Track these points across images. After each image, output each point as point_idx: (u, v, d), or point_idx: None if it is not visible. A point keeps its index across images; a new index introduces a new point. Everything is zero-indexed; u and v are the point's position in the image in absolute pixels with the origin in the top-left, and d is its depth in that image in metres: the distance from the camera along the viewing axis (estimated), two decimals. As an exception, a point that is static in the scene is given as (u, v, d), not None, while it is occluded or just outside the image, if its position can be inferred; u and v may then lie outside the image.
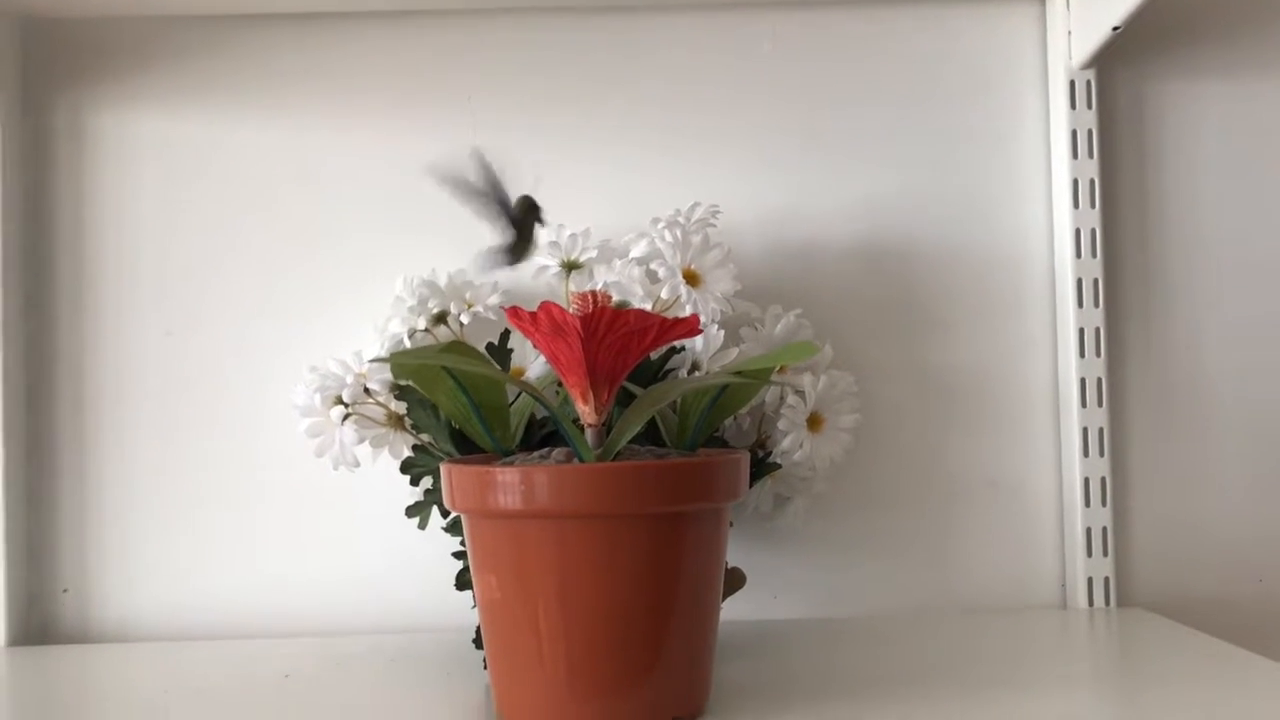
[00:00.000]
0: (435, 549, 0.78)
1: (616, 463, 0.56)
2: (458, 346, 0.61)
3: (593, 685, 0.57)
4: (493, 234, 0.70)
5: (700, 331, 0.67)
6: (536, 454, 0.61)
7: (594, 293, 0.60)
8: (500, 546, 0.57)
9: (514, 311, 0.60)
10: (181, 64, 0.86)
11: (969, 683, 0.66)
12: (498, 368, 0.64)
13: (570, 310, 0.60)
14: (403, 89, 0.87)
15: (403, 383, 0.75)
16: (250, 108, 0.87)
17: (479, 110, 0.87)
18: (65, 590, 0.85)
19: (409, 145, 0.87)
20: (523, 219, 0.69)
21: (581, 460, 0.57)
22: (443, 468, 0.60)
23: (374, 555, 0.85)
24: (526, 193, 0.70)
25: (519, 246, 0.69)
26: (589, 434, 0.60)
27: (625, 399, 0.69)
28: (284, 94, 0.87)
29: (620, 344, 0.59)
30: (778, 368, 0.76)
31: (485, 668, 0.68)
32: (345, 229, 0.87)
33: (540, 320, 0.58)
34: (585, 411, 0.60)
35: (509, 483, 0.56)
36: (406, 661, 0.75)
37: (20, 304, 0.85)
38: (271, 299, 0.87)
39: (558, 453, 0.60)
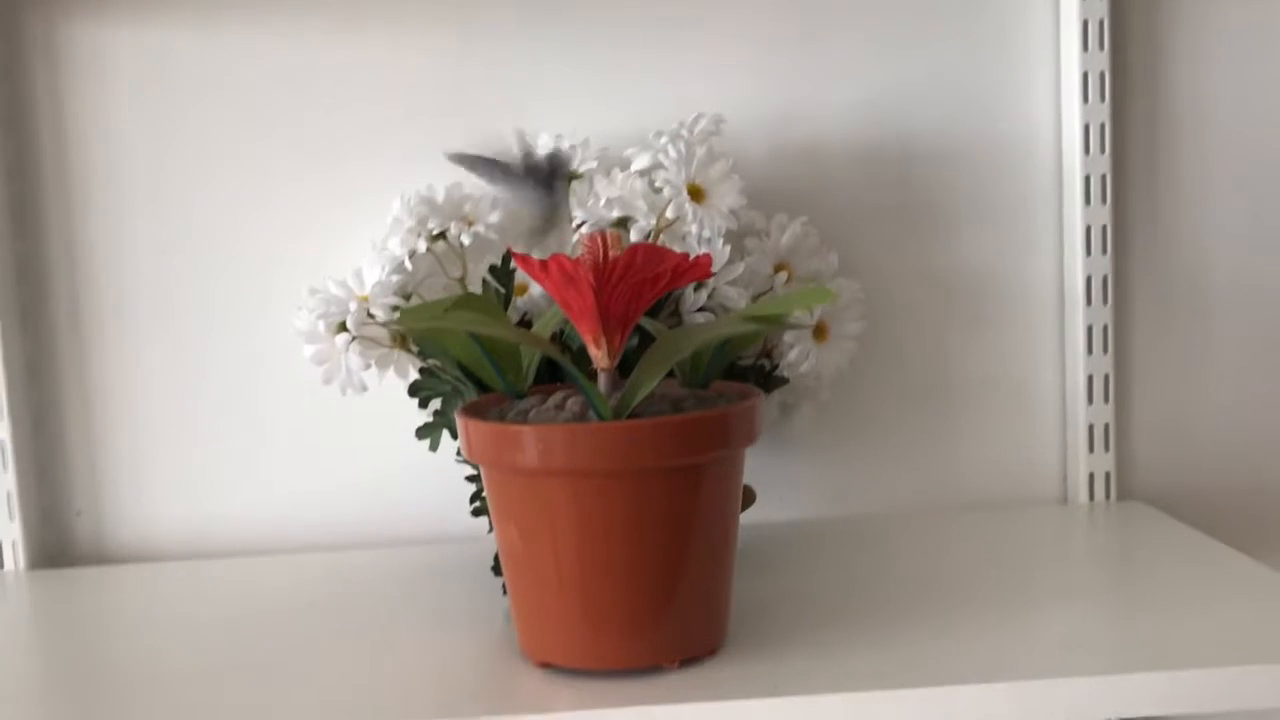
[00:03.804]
0: (449, 459, 0.78)
1: (633, 421, 0.56)
2: (467, 301, 0.60)
3: (612, 627, 0.58)
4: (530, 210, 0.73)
5: (713, 274, 0.66)
6: (551, 401, 0.60)
7: (603, 234, 0.59)
8: (518, 499, 0.58)
9: (523, 259, 0.59)
10: (156, -31, 0.83)
11: (977, 587, 0.70)
12: (507, 318, 0.63)
13: (579, 253, 0.59)
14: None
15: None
16: (233, 15, 0.83)
17: (470, 12, 0.84)
18: (79, 512, 0.86)
19: (399, 51, 0.84)
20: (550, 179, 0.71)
21: (599, 414, 0.57)
22: (458, 419, 0.60)
23: (386, 466, 0.86)
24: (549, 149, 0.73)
25: (552, 211, 0.71)
26: (602, 378, 0.60)
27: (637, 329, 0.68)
28: (266, 3, 0.83)
29: (633, 290, 0.58)
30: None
31: (504, 593, 0.69)
32: (336, 138, 0.85)
33: (551, 270, 0.58)
34: (598, 356, 0.59)
35: (526, 441, 0.56)
36: (427, 581, 0.76)
37: (9, 224, 0.83)
38: (265, 211, 0.85)
39: (573, 401, 0.60)
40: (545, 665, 0.61)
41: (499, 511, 0.60)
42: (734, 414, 0.58)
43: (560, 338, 0.71)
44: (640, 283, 0.58)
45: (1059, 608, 0.66)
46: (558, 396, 0.61)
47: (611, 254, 0.58)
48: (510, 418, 0.60)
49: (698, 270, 0.59)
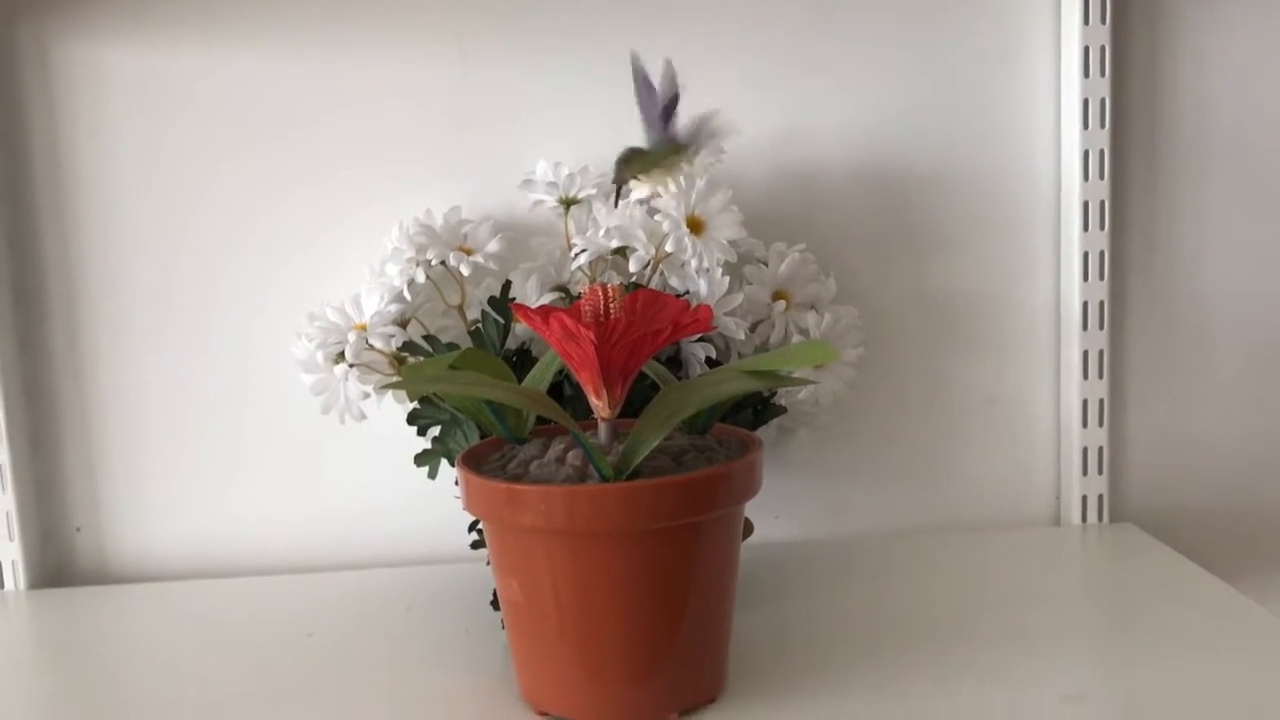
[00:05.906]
0: (450, 478, 0.78)
1: (633, 483, 0.56)
2: (468, 358, 0.60)
3: (612, 679, 0.59)
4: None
5: (714, 329, 0.66)
6: (552, 452, 0.61)
7: (604, 288, 0.59)
8: (519, 554, 0.58)
9: (523, 310, 0.59)
10: (150, -11, 0.82)
11: (975, 624, 0.70)
12: (509, 375, 0.63)
13: (582, 290, 0.59)
14: (389, 12, 0.83)
15: (409, 339, 0.74)
16: (230, 34, 0.82)
17: (466, 35, 0.83)
18: (78, 529, 0.86)
19: (399, 72, 0.83)
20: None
21: (600, 472, 0.58)
22: (459, 469, 0.60)
23: (387, 485, 0.86)
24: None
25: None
26: (603, 428, 0.60)
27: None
28: (265, 20, 0.82)
29: (634, 345, 0.58)
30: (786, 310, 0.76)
31: (503, 627, 0.70)
32: (332, 159, 0.84)
33: (552, 325, 0.58)
34: (599, 406, 0.60)
35: (526, 501, 0.56)
36: (428, 607, 0.77)
37: (5, 246, 0.83)
38: (262, 229, 0.85)
39: (574, 454, 0.60)
40: (545, 715, 0.61)
41: (499, 564, 0.60)
42: (735, 471, 0.58)
43: (563, 371, 0.71)
44: (641, 338, 0.58)
45: (1057, 653, 0.67)
46: (559, 447, 0.61)
47: (612, 307, 0.59)
48: (512, 469, 0.60)
49: (697, 325, 0.59)
